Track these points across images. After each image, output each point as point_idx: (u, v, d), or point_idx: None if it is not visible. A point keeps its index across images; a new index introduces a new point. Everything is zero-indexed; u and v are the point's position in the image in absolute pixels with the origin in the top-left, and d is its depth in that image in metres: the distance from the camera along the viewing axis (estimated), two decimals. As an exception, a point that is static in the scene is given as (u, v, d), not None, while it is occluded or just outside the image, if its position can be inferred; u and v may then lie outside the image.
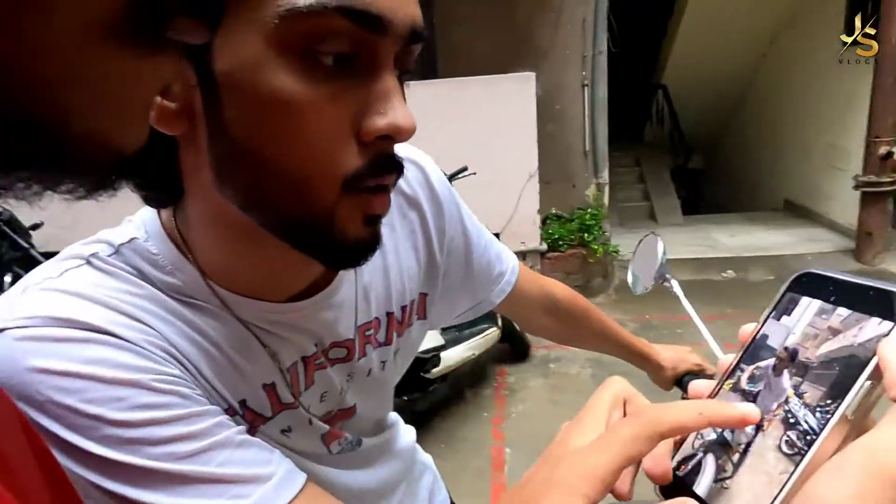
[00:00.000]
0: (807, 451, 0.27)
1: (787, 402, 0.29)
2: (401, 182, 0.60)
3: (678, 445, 0.34)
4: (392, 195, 0.46)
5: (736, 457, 0.30)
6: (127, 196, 0.39)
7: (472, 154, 3.54)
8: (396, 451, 0.71)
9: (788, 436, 0.28)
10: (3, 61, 0.18)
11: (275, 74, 0.37)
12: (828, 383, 0.28)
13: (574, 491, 0.30)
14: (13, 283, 1.74)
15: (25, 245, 2.62)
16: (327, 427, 0.57)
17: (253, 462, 0.43)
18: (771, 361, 0.32)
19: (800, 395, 0.29)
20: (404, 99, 0.42)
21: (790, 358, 0.31)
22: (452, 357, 2.77)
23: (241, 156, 0.40)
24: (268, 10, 0.36)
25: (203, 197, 0.45)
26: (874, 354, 0.27)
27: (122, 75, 0.21)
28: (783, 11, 6.56)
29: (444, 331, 2.73)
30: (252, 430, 0.50)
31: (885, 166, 4.70)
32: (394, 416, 0.74)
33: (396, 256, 0.61)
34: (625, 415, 0.37)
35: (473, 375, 3.33)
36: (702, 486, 0.31)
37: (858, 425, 0.27)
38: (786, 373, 0.31)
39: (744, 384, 0.33)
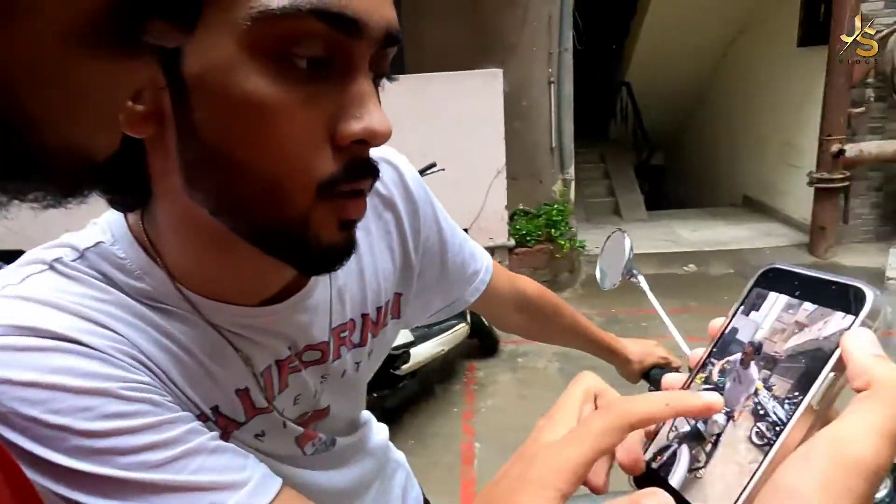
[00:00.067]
0: (775, 442, 0.28)
1: (756, 394, 0.30)
2: (376, 182, 0.59)
3: (652, 437, 0.35)
4: (368, 195, 0.45)
5: (709, 447, 0.31)
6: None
7: (440, 150, 3.54)
8: (370, 450, 0.71)
9: (758, 427, 0.29)
10: None
11: (247, 77, 0.36)
12: (795, 376, 0.29)
13: (547, 485, 0.30)
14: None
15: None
16: (301, 429, 0.57)
17: (227, 468, 0.42)
18: (739, 356, 0.33)
19: (769, 388, 0.30)
20: (380, 102, 0.42)
21: (755, 351, 0.32)
22: (422, 353, 2.77)
23: (211, 160, 0.39)
24: (240, 12, 0.35)
25: (172, 201, 0.43)
26: (838, 347, 0.28)
27: (95, 80, 0.20)
28: (742, 14, 6.74)
29: (413, 327, 2.73)
30: (225, 436, 0.49)
31: (836, 163, 4.88)
32: (366, 414, 0.73)
33: (372, 257, 0.60)
34: (596, 409, 0.38)
35: (443, 371, 3.34)
36: (676, 476, 0.32)
37: (823, 415, 0.28)
38: (753, 365, 0.32)
39: (714, 377, 0.34)
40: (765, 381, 0.30)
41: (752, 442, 0.29)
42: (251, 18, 0.35)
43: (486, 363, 3.52)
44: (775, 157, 6.39)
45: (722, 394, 0.33)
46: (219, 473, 0.42)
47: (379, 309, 0.62)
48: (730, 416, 0.31)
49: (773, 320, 0.32)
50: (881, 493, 0.68)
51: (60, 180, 0.22)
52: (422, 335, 2.79)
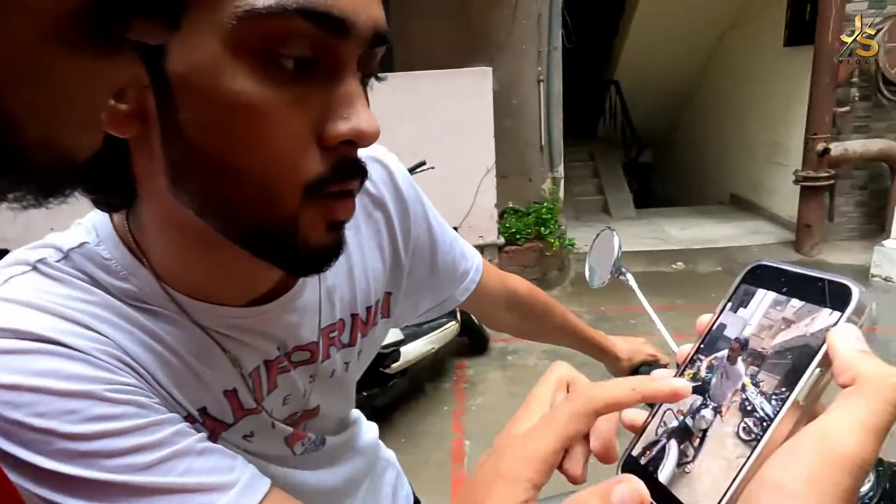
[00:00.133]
0: (762, 437, 0.28)
1: (744, 390, 0.31)
2: (366, 181, 0.59)
3: (640, 433, 0.35)
4: (357, 195, 0.45)
5: (697, 442, 0.31)
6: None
7: (430, 148, 3.53)
8: (359, 449, 0.71)
9: (746, 422, 0.29)
10: None
11: (233, 77, 0.36)
12: (782, 372, 0.29)
13: (518, 478, 0.31)
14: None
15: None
16: (290, 429, 0.56)
17: (215, 469, 0.42)
18: (727, 352, 0.33)
19: (756, 384, 0.30)
20: (368, 103, 0.41)
21: (742, 348, 0.32)
22: (412, 352, 2.76)
23: (196, 161, 0.38)
24: (225, 11, 0.34)
25: (157, 201, 0.43)
26: (824, 343, 0.28)
27: (75, 78, 0.20)
28: (729, 12, 6.79)
29: (403, 326, 2.72)
30: (213, 438, 0.49)
31: (822, 162, 4.94)
32: (356, 413, 0.73)
33: (361, 257, 0.60)
34: None
35: (433, 369, 3.34)
36: (665, 471, 0.32)
37: (809, 410, 0.28)
38: (740, 361, 0.32)
39: (702, 374, 0.34)
40: (752, 377, 0.31)
41: (740, 438, 0.29)
42: (236, 17, 0.34)
43: (476, 361, 3.52)
44: (762, 156, 6.44)
45: (709, 390, 0.33)
46: (207, 475, 0.41)
47: (369, 309, 0.62)
48: (717, 411, 0.31)
49: (760, 317, 0.33)
50: (865, 486, 0.69)
51: (40, 180, 0.22)
52: (412, 333, 2.79)
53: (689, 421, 0.33)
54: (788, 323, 0.31)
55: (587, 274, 1.01)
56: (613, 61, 8.11)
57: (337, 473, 0.65)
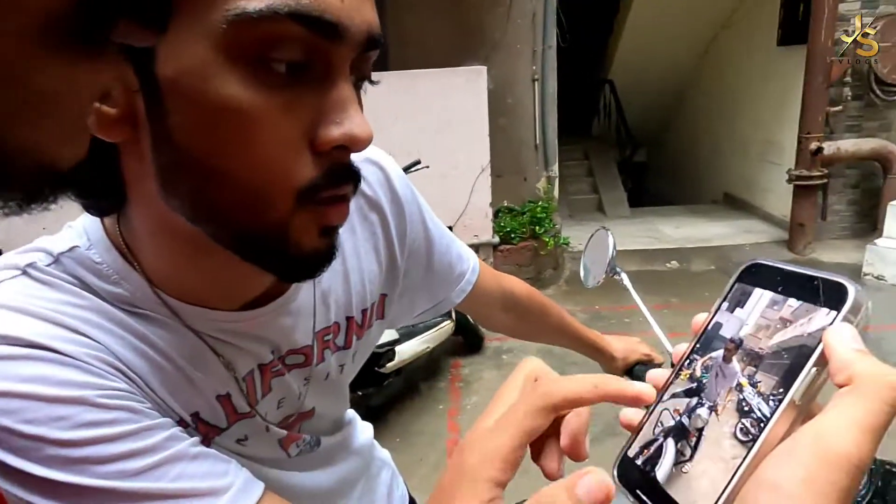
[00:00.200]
0: (759, 437, 0.28)
1: (741, 390, 0.31)
2: (361, 183, 0.59)
3: (636, 432, 0.35)
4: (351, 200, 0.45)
5: (693, 441, 0.31)
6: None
7: (425, 147, 3.53)
8: (355, 449, 0.70)
9: (743, 423, 0.29)
10: None
11: (224, 82, 0.35)
12: (780, 372, 0.29)
13: (480, 477, 0.31)
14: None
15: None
16: (285, 432, 0.56)
17: (208, 474, 0.42)
18: (722, 352, 0.33)
19: (754, 385, 0.30)
20: (361, 107, 0.41)
21: (737, 347, 0.32)
22: (407, 351, 2.76)
23: (187, 166, 0.37)
24: (216, 15, 0.34)
25: (148, 206, 0.42)
26: (820, 342, 0.28)
27: (56, 83, 0.19)
28: (723, 12, 6.82)
29: (398, 327, 2.72)
30: (206, 442, 0.48)
31: (815, 161, 4.96)
32: (351, 413, 0.73)
33: (357, 259, 0.60)
34: None
35: (428, 369, 3.34)
36: (662, 470, 0.32)
37: (805, 410, 0.28)
38: (735, 360, 0.32)
39: (697, 373, 0.34)
40: (750, 377, 0.31)
41: (738, 438, 0.29)
42: (227, 21, 0.34)
43: (471, 360, 3.52)
44: (756, 155, 6.47)
45: (704, 389, 0.33)
46: (200, 480, 0.41)
47: (364, 311, 0.61)
48: (713, 410, 0.31)
49: (757, 317, 0.32)
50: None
51: (21, 188, 0.21)
52: (407, 333, 2.78)
53: (685, 420, 0.33)
54: (785, 322, 0.31)
55: (582, 273, 1.01)
56: (608, 60, 8.13)
57: (332, 474, 0.64)
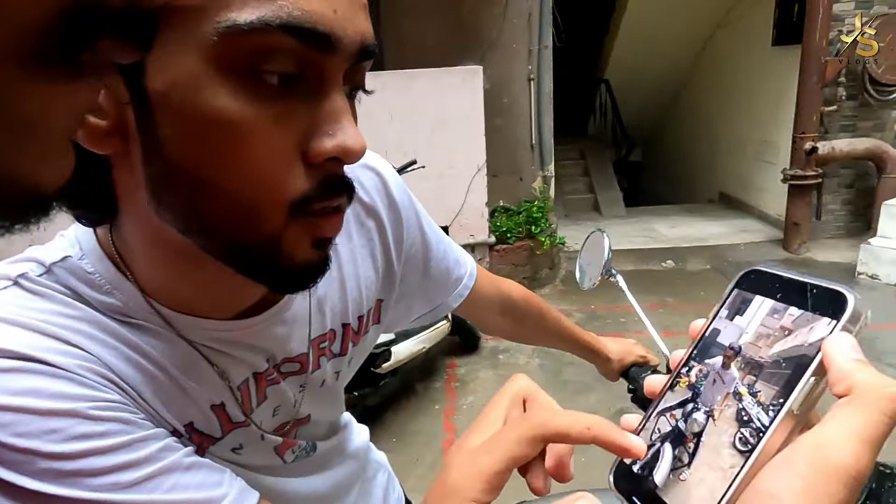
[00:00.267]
0: (756, 446, 0.28)
1: (740, 399, 0.30)
2: (358, 188, 0.58)
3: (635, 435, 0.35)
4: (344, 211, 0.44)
5: (691, 447, 0.31)
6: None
7: (421, 147, 3.53)
8: (350, 452, 0.70)
9: (742, 433, 0.29)
10: None
11: (215, 94, 0.34)
12: (780, 382, 0.29)
13: (462, 496, 0.31)
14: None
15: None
16: (280, 439, 0.56)
17: (203, 485, 0.42)
18: (720, 359, 0.33)
19: (754, 394, 0.30)
20: (355, 118, 0.40)
21: (736, 354, 0.32)
22: (403, 351, 2.76)
23: (178, 178, 0.37)
24: (206, 27, 0.33)
25: (139, 217, 0.42)
26: (819, 352, 0.28)
27: (36, 106, 0.19)
28: (718, 11, 6.83)
29: (394, 331, 2.71)
30: (200, 452, 0.48)
31: (809, 161, 4.98)
32: (347, 416, 0.73)
33: (353, 266, 0.59)
34: (525, 412, 0.39)
35: (424, 369, 3.34)
36: (660, 475, 0.32)
37: (804, 419, 0.28)
38: (733, 367, 0.32)
39: (695, 378, 0.34)
40: (749, 386, 0.31)
41: (737, 448, 0.29)
42: (217, 33, 0.33)
43: (467, 360, 3.52)
44: (751, 155, 6.49)
45: (701, 395, 0.33)
46: (194, 491, 0.41)
47: (360, 318, 0.61)
48: (709, 415, 0.31)
49: (757, 325, 0.32)
50: None
51: (5, 215, 0.20)
52: (403, 333, 2.78)
53: (681, 424, 0.33)
54: (783, 331, 0.31)
55: (578, 275, 1.01)
56: (604, 60, 8.14)
57: (327, 479, 0.64)
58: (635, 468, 0.34)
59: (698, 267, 4.98)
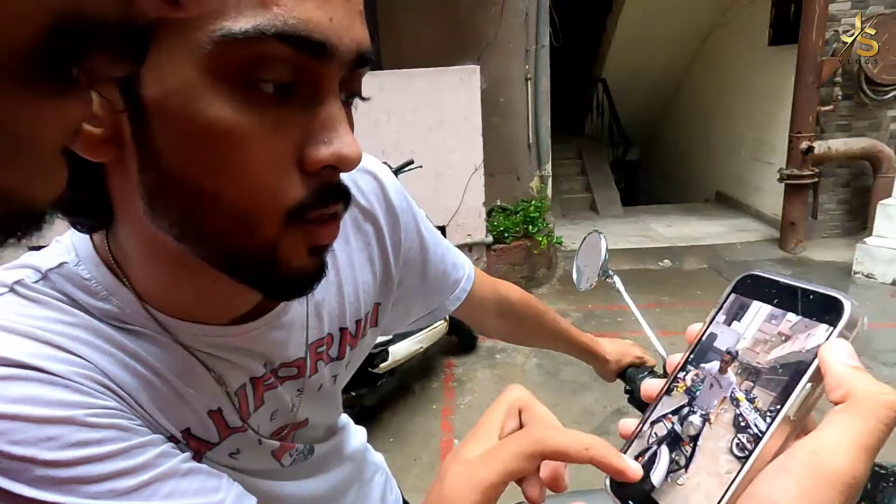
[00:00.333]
0: (753, 452, 0.28)
1: (738, 405, 0.31)
2: (356, 193, 0.58)
3: (631, 439, 0.35)
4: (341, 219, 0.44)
5: (688, 451, 0.31)
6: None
7: (418, 147, 3.52)
8: (348, 454, 0.70)
9: (739, 438, 0.29)
10: None
11: (210, 103, 0.34)
12: (776, 387, 0.29)
13: None
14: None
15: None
16: (277, 443, 0.56)
17: (200, 491, 0.41)
18: (717, 364, 0.33)
19: (751, 400, 0.30)
20: (351, 125, 0.40)
21: (733, 359, 0.32)
22: (400, 351, 2.76)
23: (173, 186, 0.37)
24: (201, 35, 0.33)
25: (135, 224, 0.41)
26: (815, 358, 0.28)
27: (25, 122, 0.18)
28: (715, 11, 6.85)
29: (392, 334, 2.71)
30: (197, 458, 0.48)
31: (806, 160, 5.00)
32: (344, 418, 0.73)
33: (351, 270, 0.59)
34: (521, 423, 0.39)
35: (421, 369, 3.34)
36: (657, 475, 0.32)
37: (800, 425, 0.28)
38: (730, 371, 0.32)
39: (690, 383, 0.34)
40: (747, 392, 0.31)
41: (734, 454, 0.29)
42: (212, 42, 0.33)
43: (464, 360, 3.52)
44: (747, 154, 6.51)
45: (698, 399, 0.33)
46: (192, 496, 0.41)
47: (358, 322, 0.61)
48: (706, 419, 0.31)
49: (755, 331, 0.32)
50: None
51: None
52: (400, 333, 2.78)
53: (678, 427, 0.33)
54: (780, 337, 0.31)
55: (575, 276, 1.01)
56: (600, 59, 8.14)
57: (325, 481, 0.64)
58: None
59: (695, 266, 5.00)
